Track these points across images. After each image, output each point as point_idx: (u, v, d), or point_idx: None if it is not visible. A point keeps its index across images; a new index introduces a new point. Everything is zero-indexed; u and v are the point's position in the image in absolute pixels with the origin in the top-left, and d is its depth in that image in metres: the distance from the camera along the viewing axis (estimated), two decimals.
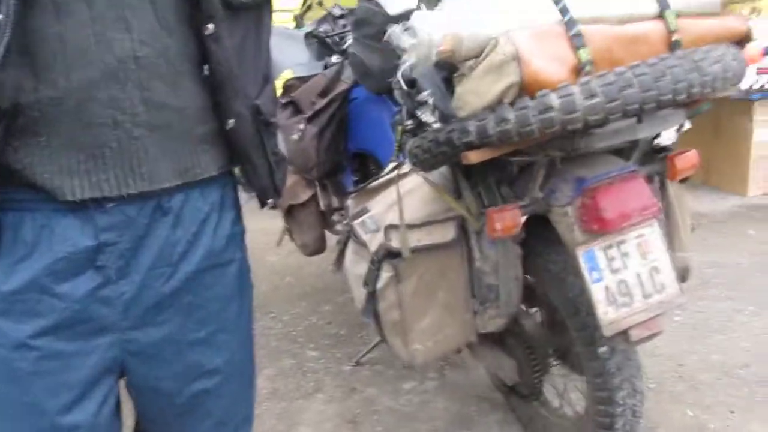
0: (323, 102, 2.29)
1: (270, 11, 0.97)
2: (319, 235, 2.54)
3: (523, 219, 1.41)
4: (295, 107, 2.40)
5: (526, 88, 1.16)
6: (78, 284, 0.83)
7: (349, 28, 2.32)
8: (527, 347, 1.72)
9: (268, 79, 0.99)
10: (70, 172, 0.81)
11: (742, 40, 1.32)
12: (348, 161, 2.42)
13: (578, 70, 1.18)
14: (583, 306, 1.42)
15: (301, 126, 2.30)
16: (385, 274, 1.52)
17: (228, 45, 0.86)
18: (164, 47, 0.83)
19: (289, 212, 2.52)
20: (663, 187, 1.53)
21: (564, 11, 1.20)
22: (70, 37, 0.79)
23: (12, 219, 0.82)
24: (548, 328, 1.71)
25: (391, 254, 1.51)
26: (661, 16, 1.26)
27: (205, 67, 0.86)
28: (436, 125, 1.36)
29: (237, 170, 0.98)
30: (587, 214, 1.33)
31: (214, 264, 0.92)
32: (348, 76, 2.28)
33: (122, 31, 0.81)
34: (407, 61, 1.18)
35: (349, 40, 2.26)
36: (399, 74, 1.18)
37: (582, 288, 1.37)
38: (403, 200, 1.55)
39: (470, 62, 1.19)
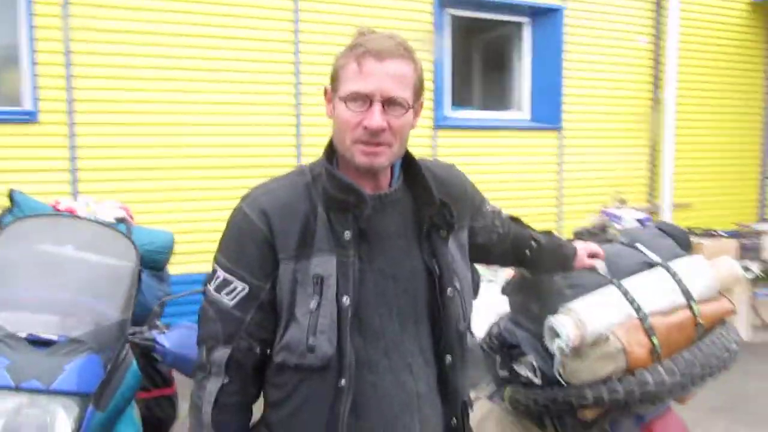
0: None
1: None
2: None
3: None
4: None
5: (627, 369, 1.68)
6: None
7: None
8: None
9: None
10: None
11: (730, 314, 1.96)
12: None
13: (652, 352, 1.73)
14: None
15: None
16: None
17: (459, 368, 1.30)
18: (429, 380, 1.26)
19: None
20: None
21: (638, 310, 1.76)
22: (380, 384, 1.20)
23: None
24: None
25: None
26: (689, 306, 1.86)
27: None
28: (537, 381, 1.83)
29: None
30: None
31: None
32: None
33: (408, 374, 1.23)
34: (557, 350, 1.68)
35: None
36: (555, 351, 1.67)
37: None
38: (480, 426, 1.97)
39: (585, 348, 1.70)
